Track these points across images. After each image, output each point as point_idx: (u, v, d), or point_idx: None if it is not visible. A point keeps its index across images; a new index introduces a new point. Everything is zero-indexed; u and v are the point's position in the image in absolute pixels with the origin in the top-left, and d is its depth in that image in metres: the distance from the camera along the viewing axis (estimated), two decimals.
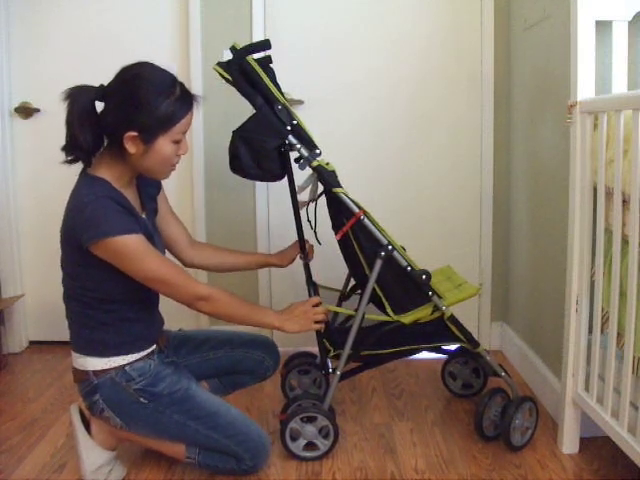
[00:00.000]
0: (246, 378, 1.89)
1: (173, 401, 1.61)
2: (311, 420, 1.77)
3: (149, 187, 1.73)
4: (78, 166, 1.63)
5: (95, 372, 1.58)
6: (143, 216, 1.65)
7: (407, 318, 1.76)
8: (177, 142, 1.55)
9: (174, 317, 1.91)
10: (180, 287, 1.55)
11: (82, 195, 1.52)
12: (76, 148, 1.55)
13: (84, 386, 1.61)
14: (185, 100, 1.54)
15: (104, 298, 1.58)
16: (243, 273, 2.49)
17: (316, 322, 1.71)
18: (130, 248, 1.48)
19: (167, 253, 1.78)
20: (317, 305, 1.73)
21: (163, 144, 1.52)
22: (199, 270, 2.22)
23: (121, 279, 1.53)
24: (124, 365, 1.59)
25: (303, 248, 1.85)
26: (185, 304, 1.59)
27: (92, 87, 1.54)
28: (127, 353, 1.60)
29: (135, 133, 1.49)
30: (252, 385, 1.94)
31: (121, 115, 1.50)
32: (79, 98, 1.52)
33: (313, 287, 1.82)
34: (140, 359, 1.62)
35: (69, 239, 1.55)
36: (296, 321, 1.69)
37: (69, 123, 1.54)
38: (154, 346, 1.68)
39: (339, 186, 1.73)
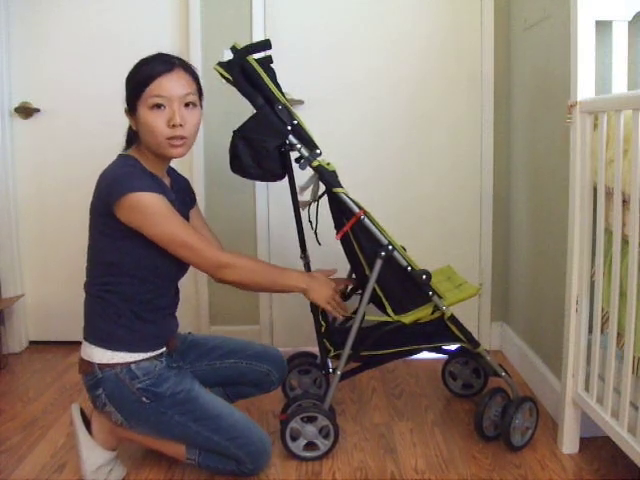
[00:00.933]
0: (250, 390, 1.89)
1: (175, 402, 1.60)
2: (311, 420, 1.77)
3: (184, 194, 1.77)
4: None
5: (100, 365, 1.58)
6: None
7: (407, 318, 1.76)
8: (156, 108, 1.53)
9: None
10: (202, 252, 1.56)
11: (111, 168, 1.59)
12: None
13: (88, 379, 1.61)
14: (158, 63, 1.56)
15: (124, 274, 1.58)
16: None
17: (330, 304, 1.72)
18: (153, 206, 1.50)
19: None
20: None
21: (142, 112, 1.55)
22: None
23: (143, 252, 1.56)
24: (130, 362, 1.59)
25: (303, 247, 1.85)
26: (207, 272, 1.61)
27: None
28: (135, 351, 1.60)
29: (126, 107, 1.58)
30: (256, 396, 1.94)
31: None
32: None
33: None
34: (147, 359, 1.62)
35: (97, 208, 1.57)
36: (320, 292, 1.70)
37: None
38: (164, 348, 1.67)
39: (340, 186, 1.73)
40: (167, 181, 1.70)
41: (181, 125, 1.54)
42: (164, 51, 1.62)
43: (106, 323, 1.60)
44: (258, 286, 1.67)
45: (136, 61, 1.60)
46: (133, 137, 1.65)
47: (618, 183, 1.45)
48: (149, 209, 1.50)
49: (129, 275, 1.59)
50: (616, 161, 1.46)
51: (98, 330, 1.61)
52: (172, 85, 1.54)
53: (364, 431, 1.97)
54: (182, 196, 1.75)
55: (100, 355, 1.59)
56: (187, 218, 1.74)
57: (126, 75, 1.59)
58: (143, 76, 1.54)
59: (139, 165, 1.59)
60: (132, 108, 1.57)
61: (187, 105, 1.58)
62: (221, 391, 1.86)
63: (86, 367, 1.61)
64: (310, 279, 1.71)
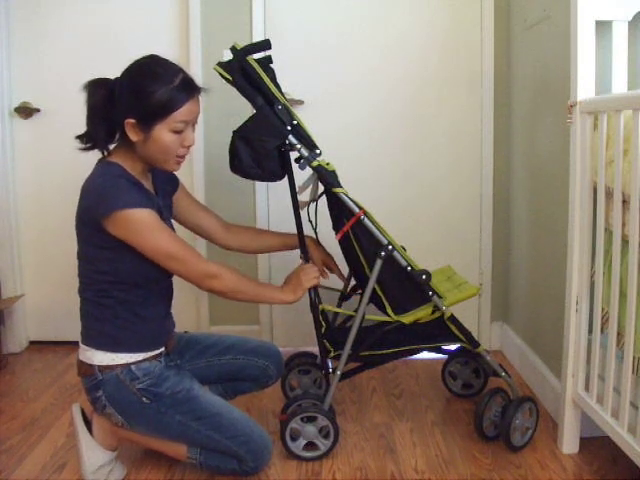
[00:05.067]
0: (248, 385, 1.89)
1: (175, 402, 1.61)
2: (311, 420, 1.77)
3: (165, 184, 1.76)
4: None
5: (100, 367, 1.58)
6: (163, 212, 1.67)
7: (407, 318, 1.76)
8: (177, 132, 1.55)
9: (175, 316, 1.90)
10: (191, 264, 1.57)
11: (96, 177, 1.57)
12: (89, 138, 1.61)
13: (88, 381, 1.61)
14: (184, 89, 1.54)
15: (119, 282, 1.58)
16: (243, 264, 2.51)
17: (308, 281, 1.75)
18: (142, 221, 1.50)
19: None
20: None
21: (160, 133, 1.53)
22: None
23: (135, 261, 1.55)
24: (130, 363, 1.59)
25: (303, 248, 1.85)
26: (195, 283, 1.61)
27: (106, 80, 1.59)
28: (136, 351, 1.60)
29: (133, 120, 1.52)
30: (254, 392, 1.95)
31: (123, 103, 1.54)
32: (94, 90, 1.57)
33: (313, 287, 1.81)
34: (147, 359, 1.62)
35: (84, 220, 1.56)
36: (290, 289, 1.73)
37: (87, 114, 1.59)
38: (162, 348, 1.68)
39: (339, 186, 1.73)
40: (148, 180, 1.69)
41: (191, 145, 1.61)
42: (164, 51, 1.62)
43: (105, 325, 1.60)
44: (240, 297, 1.67)
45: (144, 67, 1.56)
46: (110, 137, 1.60)
47: (618, 183, 1.45)
48: (138, 226, 1.50)
49: (124, 282, 1.59)
50: (616, 161, 1.46)
51: (97, 333, 1.61)
52: (194, 110, 1.58)
53: (364, 431, 1.97)
54: (165, 188, 1.76)
55: (100, 357, 1.59)
56: (170, 208, 1.77)
57: (136, 86, 1.53)
58: (170, 100, 1.51)
59: (125, 174, 1.56)
60: (145, 125, 1.52)
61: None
62: (218, 388, 1.87)
63: (85, 369, 1.61)
64: (285, 287, 1.75)
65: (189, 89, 1.56)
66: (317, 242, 1.92)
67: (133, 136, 1.54)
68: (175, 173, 1.79)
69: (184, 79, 1.56)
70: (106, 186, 1.52)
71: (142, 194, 1.57)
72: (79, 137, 1.62)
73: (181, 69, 1.58)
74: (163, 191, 1.74)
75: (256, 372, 1.86)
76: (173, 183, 1.81)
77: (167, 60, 1.58)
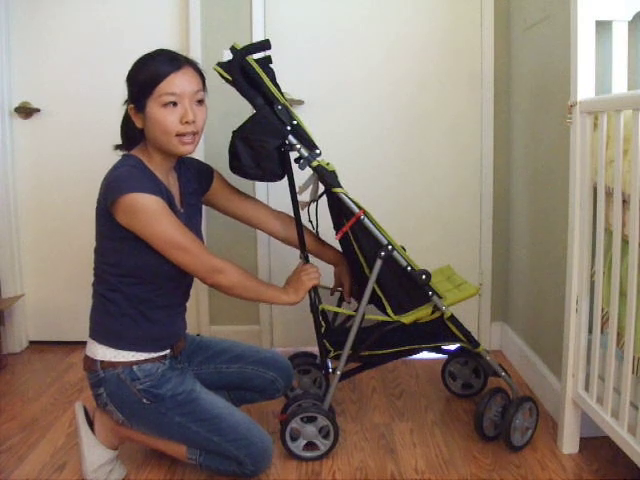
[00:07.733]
0: (255, 396, 1.88)
1: (176, 403, 1.60)
2: (311, 420, 1.77)
3: (192, 182, 1.77)
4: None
5: (103, 363, 1.59)
6: (181, 210, 1.68)
7: (407, 318, 1.76)
8: (169, 106, 1.54)
9: None
10: (197, 256, 1.57)
11: (112, 169, 1.59)
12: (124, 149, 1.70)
13: (92, 377, 1.62)
14: (167, 62, 1.56)
15: (125, 275, 1.58)
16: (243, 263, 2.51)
17: (310, 281, 1.75)
18: (147, 207, 1.50)
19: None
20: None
21: (152, 109, 1.55)
22: None
23: (141, 253, 1.55)
24: (133, 363, 1.59)
25: (303, 246, 1.85)
26: (201, 276, 1.60)
27: None
28: (139, 350, 1.60)
29: (132, 105, 1.58)
30: (260, 402, 1.93)
31: (128, 96, 1.61)
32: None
33: (313, 287, 1.81)
34: (150, 360, 1.62)
35: (98, 209, 1.59)
36: (292, 290, 1.73)
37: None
38: (168, 351, 1.67)
39: (339, 186, 1.73)
40: (173, 178, 1.70)
41: (193, 122, 1.58)
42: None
43: (110, 321, 1.60)
44: (244, 295, 1.66)
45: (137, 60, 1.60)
46: (136, 136, 1.64)
47: (618, 183, 1.45)
48: (142, 210, 1.50)
49: (130, 276, 1.59)
50: (616, 161, 1.46)
51: (102, 328, 1.62)
52: (183, 82, 1.56)
53: (364, 431, 1.97)
54: (192, 187, 1.76)
55: (103, 352, 1.59)
56: (196, 207, 1.77)
57: (127, 73, 1.60)
58: (152, 74, 1.54)
59: (140, 165, 1.58)
60: (139, 106, 1.56)
61: (196, 102, 1.60)
62: (225, 395, 1.86)
63: (90, 365, 1.62)
64: (287, 288, 1.75)
65: (173, 61, 1.57)
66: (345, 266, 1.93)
67: (138, 123, 1.58)
68: (212, 167, 1.83)
69: (166, 54, 1.59)
70: (116, 175, 1.55)
71: (153, 182, 1.57)
72: (117, 147, 1.70)
73: (165, 49, 1.61)
74: (189, 189, 1.74)
75: (264, 384, 1.84)
76: (203, 180, 1.81)
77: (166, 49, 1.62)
